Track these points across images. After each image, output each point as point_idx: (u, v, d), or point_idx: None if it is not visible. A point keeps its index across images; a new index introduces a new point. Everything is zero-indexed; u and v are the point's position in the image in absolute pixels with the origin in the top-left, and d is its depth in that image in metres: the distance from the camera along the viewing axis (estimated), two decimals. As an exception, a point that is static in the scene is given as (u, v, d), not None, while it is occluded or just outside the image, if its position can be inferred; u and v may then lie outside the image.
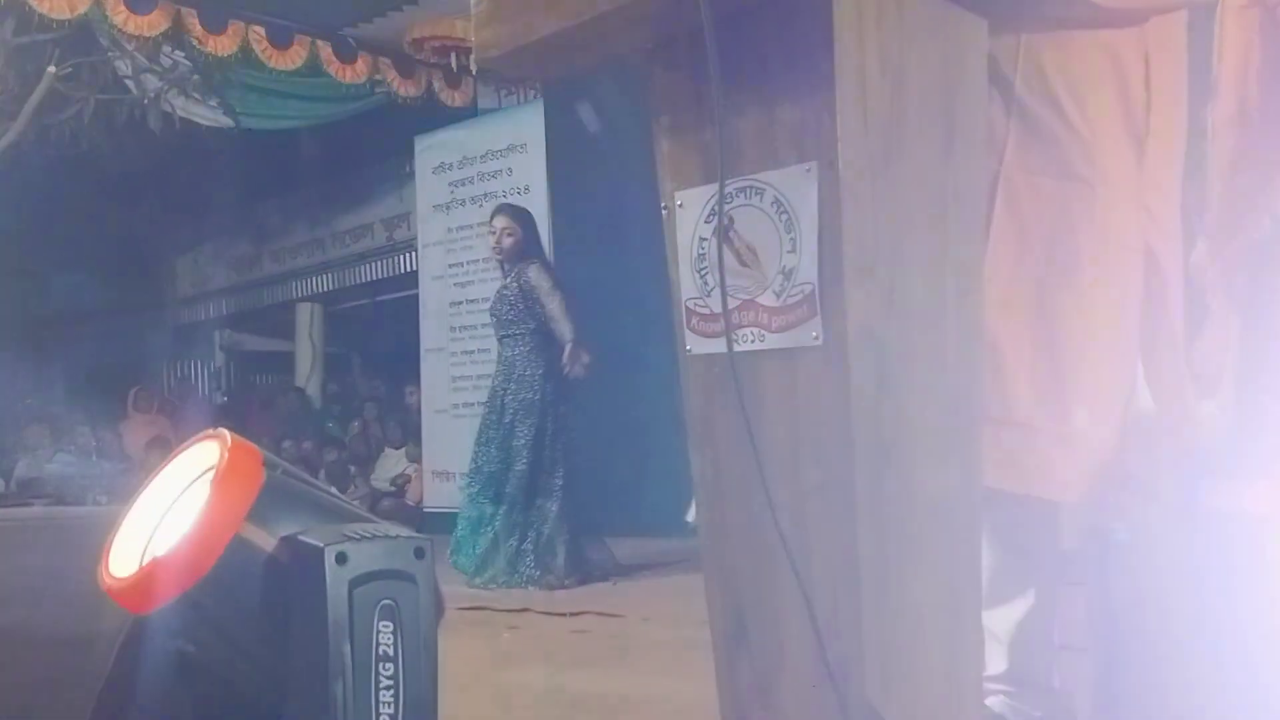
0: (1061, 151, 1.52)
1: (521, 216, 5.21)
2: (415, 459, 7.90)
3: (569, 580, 4.67)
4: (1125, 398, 1.58)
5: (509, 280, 5.05)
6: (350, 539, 1.11)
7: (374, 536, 1.12)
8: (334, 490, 1.34)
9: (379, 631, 1.11)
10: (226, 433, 1.16)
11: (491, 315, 5.16)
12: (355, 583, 1.10)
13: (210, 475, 1.13)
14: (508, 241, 5.04)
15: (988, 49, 1.40)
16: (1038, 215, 1.54)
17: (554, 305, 4.89)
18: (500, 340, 5.08)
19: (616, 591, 4.43)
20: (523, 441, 4.82)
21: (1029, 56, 1.49)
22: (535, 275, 4.95)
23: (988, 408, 1.44)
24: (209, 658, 1.17)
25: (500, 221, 5.11)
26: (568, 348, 4.85)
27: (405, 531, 1.16)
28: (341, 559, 1.10)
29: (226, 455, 1.12)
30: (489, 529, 4.79)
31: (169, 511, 1.15)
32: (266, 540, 1.12)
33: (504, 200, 7.02)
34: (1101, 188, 1.55)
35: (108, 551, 1.19)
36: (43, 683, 1.36)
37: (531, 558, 4.69)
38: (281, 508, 1.13)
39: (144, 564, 1.10)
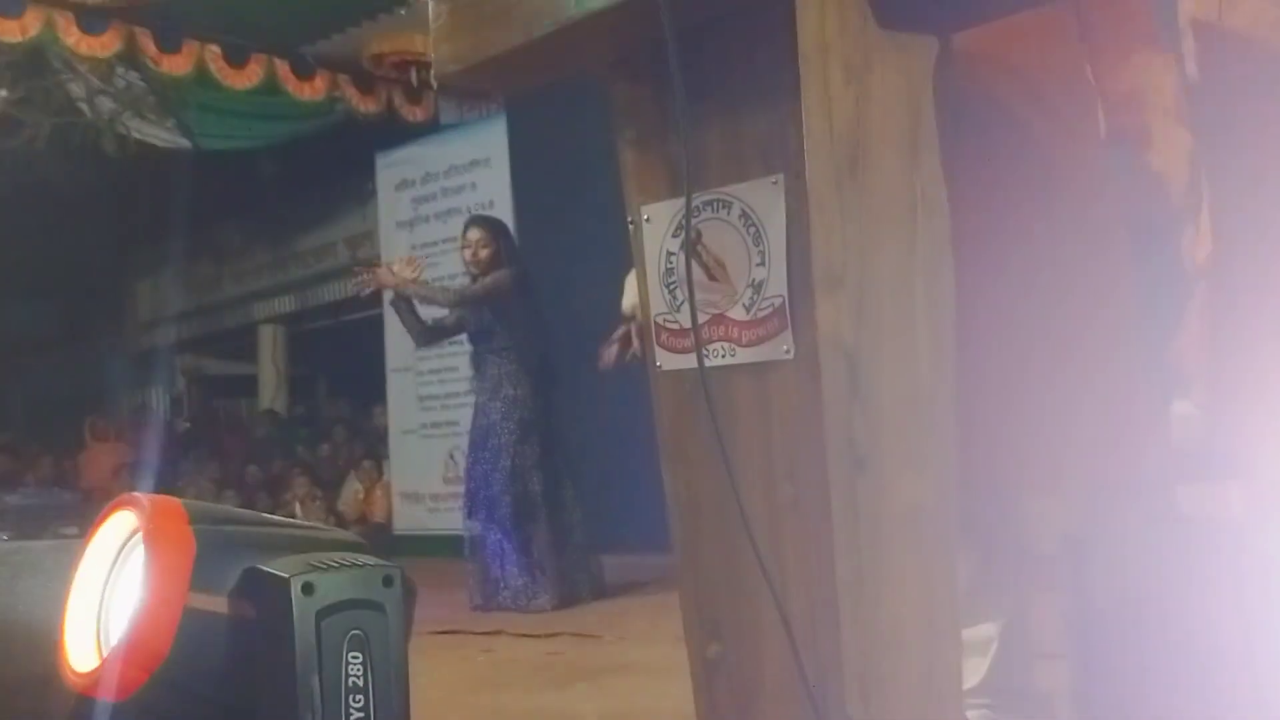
0: None
1: (496, 228, 5.08)
2: (366, 481, 7.81)
3: (569, 600, 4.57)
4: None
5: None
6: (316, 568, 1.09)
7: (341, 565, 1.10)
8: (272, 515, 1.31)
9: (348, 663, 1.09)
10: (142, 497, 1.11)
11: (467, 331, 5.01)
12: (323, 614, 1.08)
13: (139, 541, 1.09)
14: (484, 254, 4.88)
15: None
16: None
17: (518, 312, 4.79)
18: (479, 356, 4.93)
19: (591, 611, 4.39)
20: (530, 462, 4.68)
21: None
22: (504, 282, 4.81)
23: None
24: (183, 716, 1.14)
25: (474, 234, 4.95)
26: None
27: (373, 559, 1.14)
28: (308, 589, 1.07)
29: (150, 526, 1.07)
30: (490, 552, 4.66)
31: (110, 589, 1.12)
32: (217, 603, 1.08)
33: (470, 214, 7.02)
34: None
35: (62, 644, 1.15)
36: (4, 723, 1.32)
37: (537, 579, 4.58)
38: (223, 562, 1.09)
39: (104, 656, 1.07)
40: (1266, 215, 1.43)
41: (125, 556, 1.11)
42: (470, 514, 4.77)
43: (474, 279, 4.96)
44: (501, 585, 4.57)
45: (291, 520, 1.27)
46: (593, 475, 5.56)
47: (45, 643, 1.32)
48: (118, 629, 1.07)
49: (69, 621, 1.16)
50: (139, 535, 1.08)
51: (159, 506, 1.09)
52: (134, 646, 1.05)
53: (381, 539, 7.25)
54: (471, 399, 7.03)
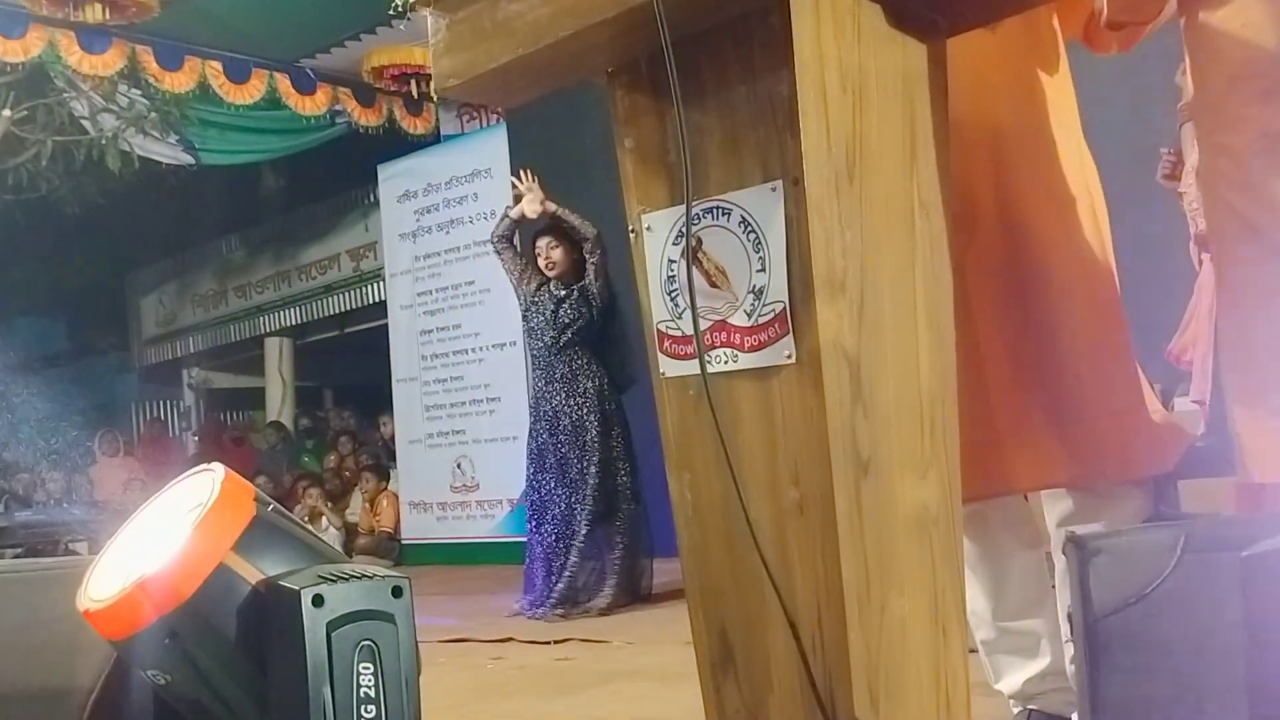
0: None
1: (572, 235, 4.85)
2: (372, 491, 7.79)
3: (627, 601, 4.50)
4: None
5: (567, 291, 4.68)
6: (326, 580, 1.10)
7: (350, 577, 1.11)
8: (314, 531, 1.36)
9: (359, 673, 1.10)
10: (221, 466, 1.20)
11: (538, 329, 4.73)
12: (333, 625, 1.09)
13: (199, 510, 1.15)
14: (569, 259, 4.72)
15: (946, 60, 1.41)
16: None
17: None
18: (552, 356, 4.67)
19: (600, 617, 4.39)
20: (616, 453, 4.59)
21: None
22: (600, 289, 4.65)
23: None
24: (180, 691, 1.17)
25: (546, 241, 4.78)
26: None
27: (382, 571, 1.15)
28: (318, 601, 1.08)
29: (220, 486, 1.15)
30: (566, 556, 4.52)
31: (154, 540, 1.15)
32: (250, 573, 1.13)
33: (469, 225, 7.03)
34: None
35: (88, 576, 1.19)
36: (17, 738, 1.33)
37: (612, 580, 4.51)
38: (268, 543, 1.15)
39: (127, 587, 1.11)
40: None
41: (182, 517, 1.16)
42: (539, 526, 4.57)
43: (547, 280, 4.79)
44: (588, 583, 4.50)
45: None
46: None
47: (57, 656, 1.34)
48: (150, 566, 1.12)
49: (103, 559, 1.20)
50: (199, 509, 1.15)
51: (234, 477, 1.19)
52: (160, 579, 1.09)
53: (389, 548, 7.24)
54: (476, 408, 7.08)
